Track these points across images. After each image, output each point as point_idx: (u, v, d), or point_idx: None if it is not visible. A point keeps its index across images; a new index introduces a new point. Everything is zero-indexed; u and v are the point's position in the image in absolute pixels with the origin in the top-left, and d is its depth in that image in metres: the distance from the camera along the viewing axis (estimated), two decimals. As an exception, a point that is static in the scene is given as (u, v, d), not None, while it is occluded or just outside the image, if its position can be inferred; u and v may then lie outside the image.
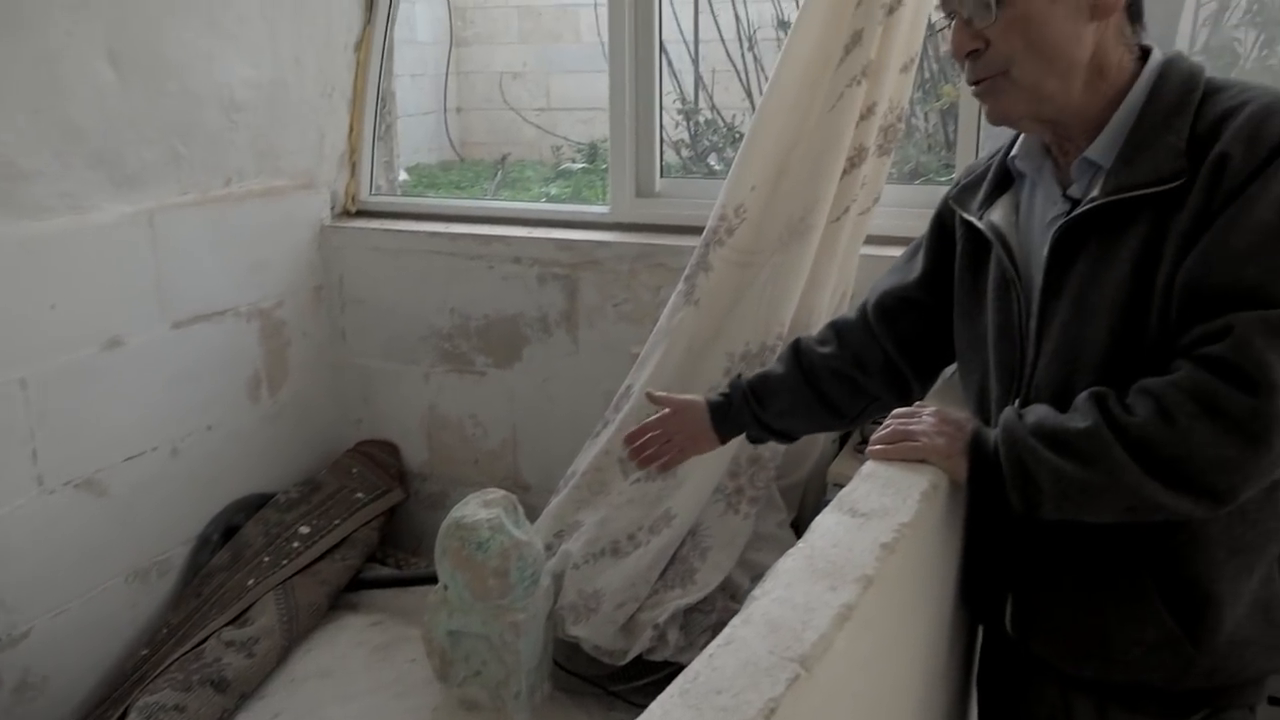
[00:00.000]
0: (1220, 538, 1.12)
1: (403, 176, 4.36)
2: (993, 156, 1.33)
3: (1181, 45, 2.90)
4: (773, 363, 1.62)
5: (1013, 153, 1.28)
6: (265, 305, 2.71)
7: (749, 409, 1.57)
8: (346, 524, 2.69)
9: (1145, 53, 1.18)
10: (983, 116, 2.16)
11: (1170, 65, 1.15)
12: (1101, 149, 1.15)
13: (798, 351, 1.56)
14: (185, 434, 2.52)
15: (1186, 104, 1.11)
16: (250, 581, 2.47)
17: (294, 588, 2.49)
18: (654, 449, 1.63)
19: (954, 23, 1.17)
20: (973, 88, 1.19)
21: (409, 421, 2.94)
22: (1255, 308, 1.00)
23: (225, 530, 2.63)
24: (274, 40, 2.53)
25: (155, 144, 2.34)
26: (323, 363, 2.92)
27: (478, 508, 2.08)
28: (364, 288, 2.87)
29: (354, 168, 2.94)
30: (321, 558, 2.59)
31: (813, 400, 1.53)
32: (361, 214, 2.96)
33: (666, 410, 1.63)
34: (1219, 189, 1.04)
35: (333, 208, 2.91)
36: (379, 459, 2.93)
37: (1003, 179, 1.30)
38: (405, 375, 2.89)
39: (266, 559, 2.53)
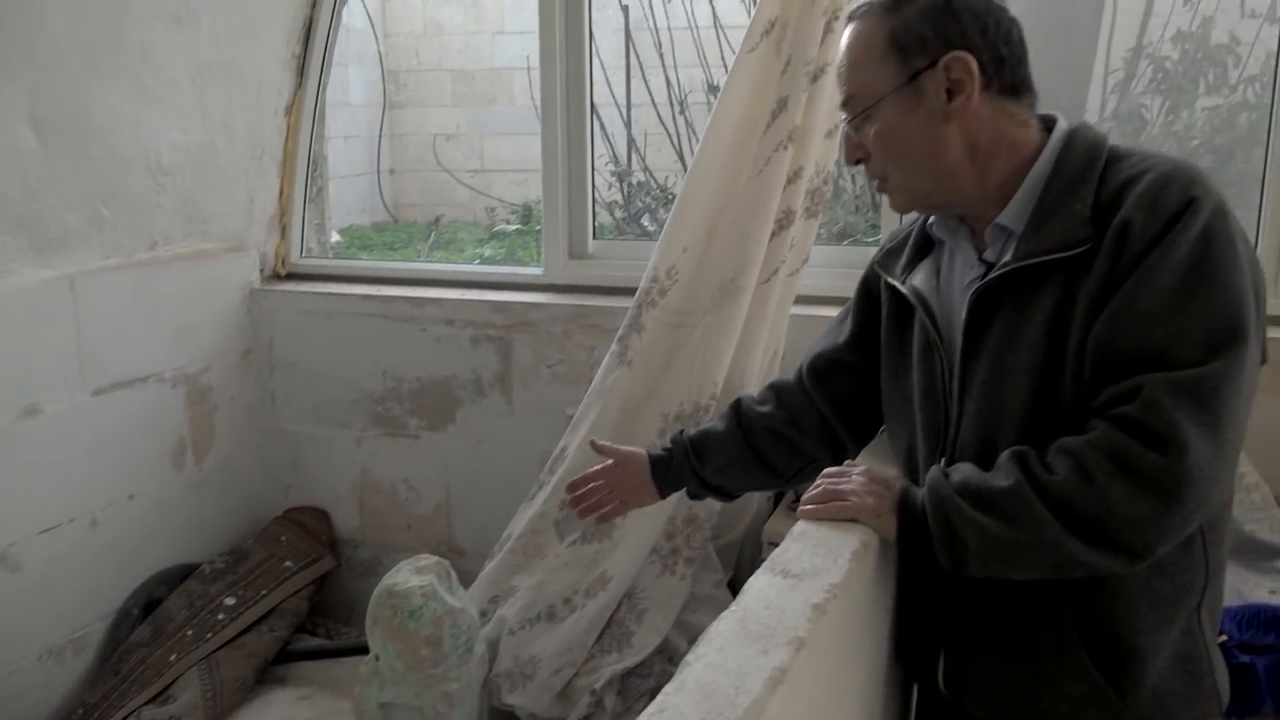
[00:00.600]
0: (1140, 592, 1.15)
1: (335, 238, 4.33)
2: (914, 222, 1.38)
3: (1092, 111, 3.03)
4: (714, 420, 1.63)
5: (930, 220, 1.32)
6: (191, 370, 2.66)
7: (689, 465, 1.57)
8: (274, 594, 2.61)
9: (1051, 122, 1.23)
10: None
11: (1075, 135, 1.21)
12: (1012, 215, 1.20)
13: (738, 410, 1.58)
14: (105, 504, 2.44)
15: (1091, 172, 1.16)
16: (172, 657, 2.39)
17: (219, 662, 2.41)
18: (595, 499, 1.62)
19: (844, 132, 1.27)
20: None
21: (340, 487, 2.88)
22: (1162, 369, 1.04)
23: (146, 604, 2.54)
24: (203, 104, 2.52)
25: (78, 208, 2.30)
26: (251, 428, 2.86)
27: (410, 574, 2.04)
28: (294, 351, 2.83)
29: (284, 230, 2.91)
30: (248, 630, 2.51)
31: (751, 459, 1.55)
32: (292, 277, 2.93)
33: (609, 461, 1.62)
34: (1123, 255, 1.09)
35: (262, 270, 2.87)
36: (309, 526, 2.86)
37: (924, 244, 1.34)
38: (336, 440, 2.84)
39: (190, 632, 2.45)
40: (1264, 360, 1.12)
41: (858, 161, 1.25)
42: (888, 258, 1.40)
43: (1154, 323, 1.06)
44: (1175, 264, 1.06)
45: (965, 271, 1.26)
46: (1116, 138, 1.21)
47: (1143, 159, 1.14)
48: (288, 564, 2.71)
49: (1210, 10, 2.97)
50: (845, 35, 1.26)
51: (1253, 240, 2.05)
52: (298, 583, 2.69)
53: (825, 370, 1.50)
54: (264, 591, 2.60)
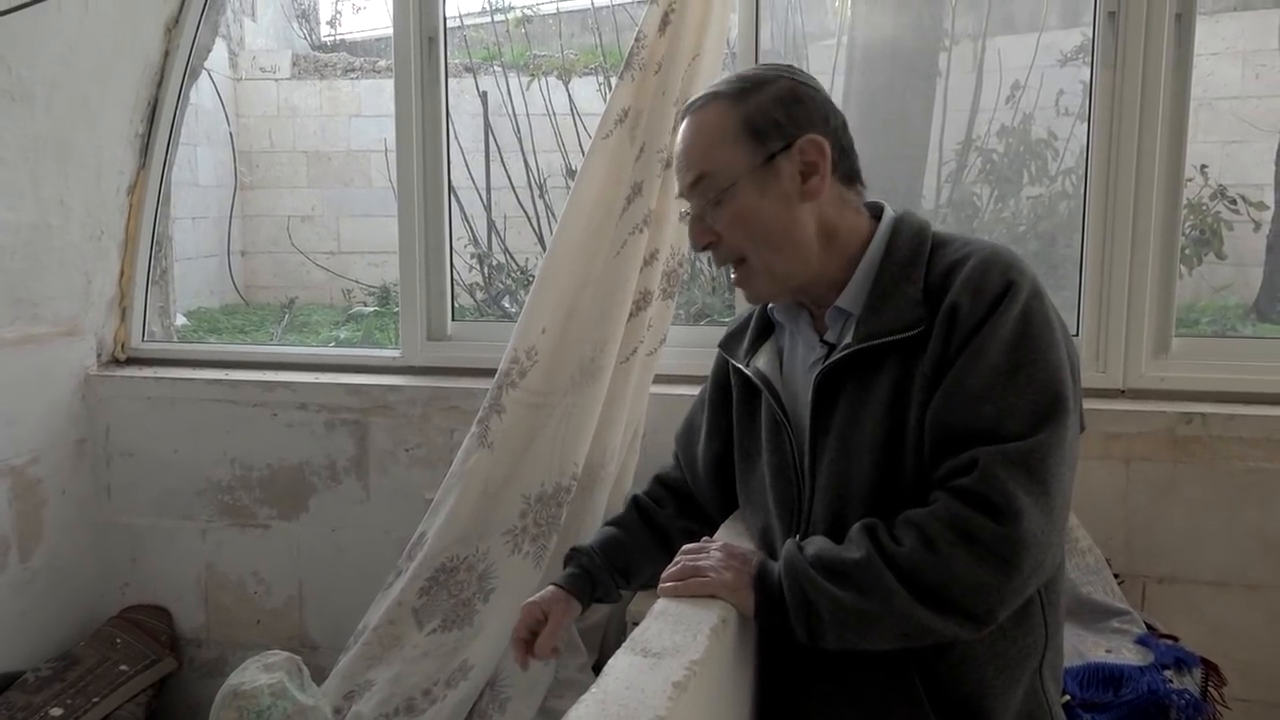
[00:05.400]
0: (986, 656, 1.19)
1: (181, 321, 4.16)
2: (754, 307, 1.44)
3: (928, 199, 3.22)
4: (611, 530, 1.60)
5: (770, 305, 1.38)
6: (17, 462, 2.49)
7: (613, 581, 1.53)
8: (108, 701, 2.43)
9: (877, 210, 1.32)
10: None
11: (901, 222, 1.29)
12: (850, 299, 1.26)
13: (642, 513, 1.60)
14: (-86, 611, 2.24)
15: (919, 256, 1.24)
16: (-12, 777, 2.18)
17: (42, 780, 2.21)
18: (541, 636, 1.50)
19: (690, 223, 1.29)
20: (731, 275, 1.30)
21: (183, 583, 2.72)
22: (994, 442, 1.10)
23: (-40, 719, 2.32)
24: (35, 182, 2.40)
25: (-108, 290, 2.15)
26: (84, 522, 2.68)
27: (258, 672, 1.94)
28: (133, 440, 2.68)
29: (125, 313, 2.78)
30: (76, 742, 2.32)
31: (669, 561, 1.54)
32: (132, 361, 2.79)
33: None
34: (953, 336, 1.16)
35: (99, 356, 2.73)
36: (148, 626, 2.69)
37: (764, 327, 1.40)
38: (179, 532, 2.70)
39: (9, 749, 2.25)
40: (1082, 428, 1.20)
41: (706, 247, 1.27)
42: (730, 341, 1.45)
43: (985, 399, 1.12)
44: (1000, 342, 1.13)
45: (807, 353, 1.32)
46: (952, 224, 1.30)
47: (964, 244, 1.23)
48: (123, 668, 2.53)
49: (1030, 108, 3.23)
50: (686, 125, 1.30)
51: (1074, 318, 2.21)
52: (134, 687, 2.51)
53: (703, 476, 1.54)
54: (95, 699, 2.41)
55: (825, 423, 1.24)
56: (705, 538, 1.35)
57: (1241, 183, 3.45)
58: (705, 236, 1.28)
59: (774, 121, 1.25)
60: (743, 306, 2.32)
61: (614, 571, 1.54)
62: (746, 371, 1.36)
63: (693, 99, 1.33)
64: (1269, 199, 3.50)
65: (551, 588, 1.53)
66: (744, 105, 1.26)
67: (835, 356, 1.23)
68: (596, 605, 1.67)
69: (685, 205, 1.33)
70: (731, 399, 1.44)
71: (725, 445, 1.49)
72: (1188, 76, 2.13)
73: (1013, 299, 1.15)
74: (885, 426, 1.19)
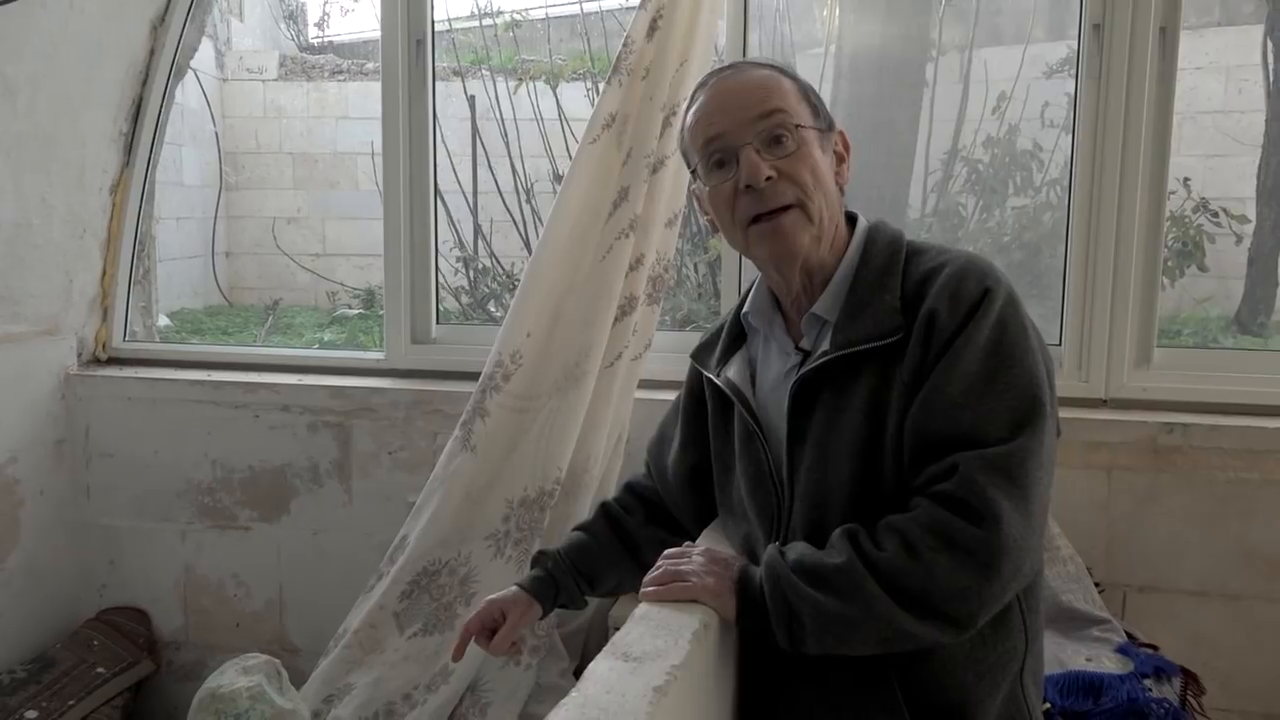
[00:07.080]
0: (966, 661, 1.20)
1: (164, 322, 4.14)
2: (727, 315, 1.45)
3: (914, 208, 3.23)
4: (579, 535, 1.60)
5: (745, 309, 1.38)
6: (-5, 462, 2.47)
7: (578, 588, 1.55)
8: (83, 704, 2.40)
9: (851, 219, 1.33)
10: (744, 266, 2.32)
11: (875, 230, 1.31)
12: (826, 305, 1.27)
13: (611, 521, 1.59)
14: (-113, 611, 2.21)
15: (894, 264, 1.25)
16: (-40, 780, 2.16)
17: (15, 783, 2.19)
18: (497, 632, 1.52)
19: (744, 156, 1.24)
20: (758, 225, 1.26)
21: (162, 585, 2.70)
22: (974, 448, 1.11)
23: (-68, 722, 2.29)
24: (17, 179, 2.39)
25: None
26: (62, 523, 2.66)
27: (236, 675, 1.92)
28: (113, 441, 2.66)
29: (106, 313, 2.76)
30: (51, 746, 2.29)
31: (637, 570, 1.52)
32: (113, 361, 2.77)
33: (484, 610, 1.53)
34: (931, 343, 1.17)
35: (80, 355, 2.71)
36: (125, 628, 2.66)
37: (736, 336, 1.40)
38: (158, 534, 2.67)
39: (-18, 752, 2.22)
40: (1058, 434, 1.21)
41: (767, 179, 1.23)
42: (702, 351, 1.45)
43: (963, 405, 1.13)
44: (977, 349, 1.14)
45: (782, 360, 1.32)
46: (938, 233, 1.31)
47: (939, 252, 1.24)
48: (100, 670, 2.51)
49: (1015, 119, 3.25)
50: (739, 77, 1.29)
51: (1057, 327, 2.22)
52: (110, 690, 2.48)
53: (676, 487, 1.54)
54: (71, 702, 2.39)
55: (802, 430, 1.24)
56: (687, 543, 1.35)
57: (1224, 196, 3.47)
58: (766, 170, 1.23)
59: (821, 103, 1.32)
60: (726, 311, 2.32)
61: (579, 577, 1.55)
62: (718, 382, 1.36)
63: (727, 64, 1.35)
64: (1250, 212, 3.53)
65: (514, 588, 1.54)
66: (796, 81, 1.31)
67: (813, 363, 1.23)
68: (562, 611, 1.68)
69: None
70: (706, 410, 1.44)
71: (700, 456, 1.49)
72: (1171, 89, 2.15)
73: (989, 306, 1.16)
74: (864, 434, 1.19)
